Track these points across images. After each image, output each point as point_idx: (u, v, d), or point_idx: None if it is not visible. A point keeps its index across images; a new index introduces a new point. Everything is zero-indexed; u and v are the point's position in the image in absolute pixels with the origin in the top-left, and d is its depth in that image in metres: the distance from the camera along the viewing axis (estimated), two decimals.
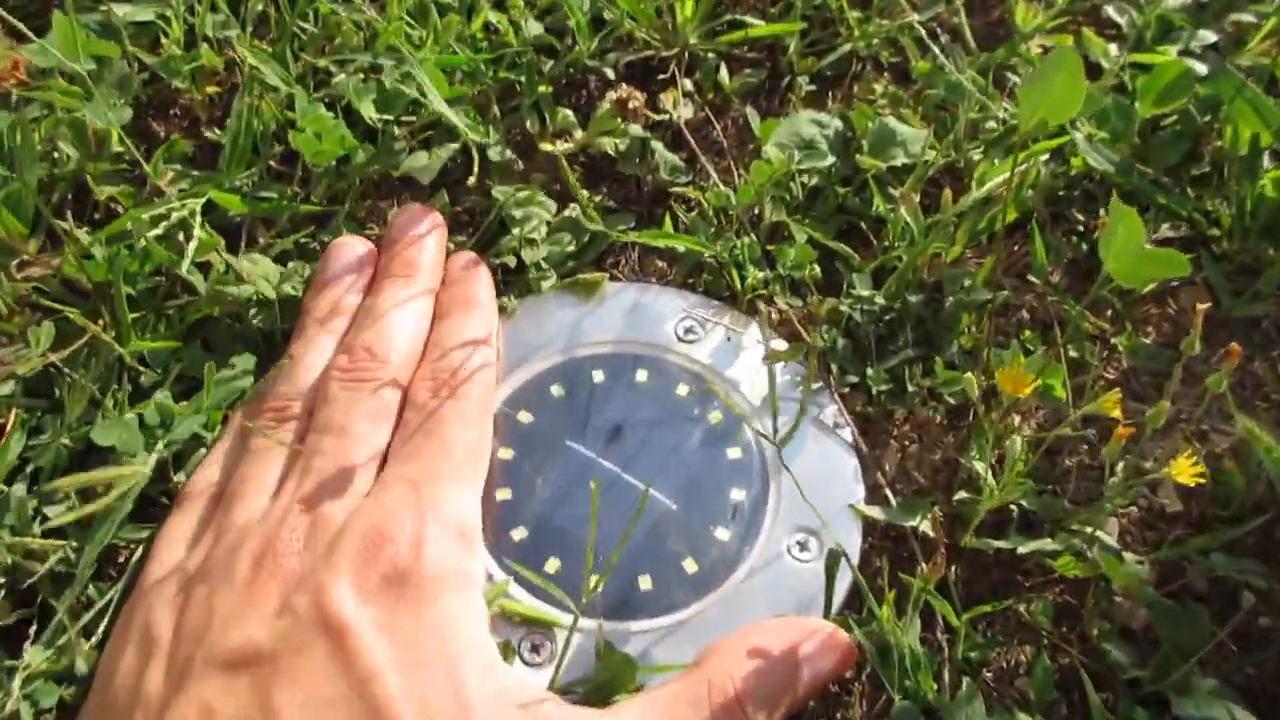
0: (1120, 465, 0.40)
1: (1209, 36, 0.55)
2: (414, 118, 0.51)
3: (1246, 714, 0.36)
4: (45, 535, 0.38)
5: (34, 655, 0.36)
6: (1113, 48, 0.55)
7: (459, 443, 0.39)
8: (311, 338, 0.43)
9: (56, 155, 0.48)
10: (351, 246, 0.45)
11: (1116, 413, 0.37)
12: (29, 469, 0.40)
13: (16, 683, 0.35)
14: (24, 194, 0.44)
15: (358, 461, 0.38)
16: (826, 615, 0.39)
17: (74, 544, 0.38)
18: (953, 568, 0.41)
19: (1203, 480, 0.35)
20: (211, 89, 0.52)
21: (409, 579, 0.35)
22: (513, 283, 0.48)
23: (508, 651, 0.37)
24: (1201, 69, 0.52)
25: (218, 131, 0.50)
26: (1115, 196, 0.47)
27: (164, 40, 0.51)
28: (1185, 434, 0.44)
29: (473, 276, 0.45)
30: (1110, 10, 0.57)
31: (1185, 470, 0.34)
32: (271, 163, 0.49)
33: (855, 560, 0.41)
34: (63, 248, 0.43)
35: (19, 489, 0.38)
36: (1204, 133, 0.51)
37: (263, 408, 0.41)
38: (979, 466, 0.41)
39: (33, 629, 0.37)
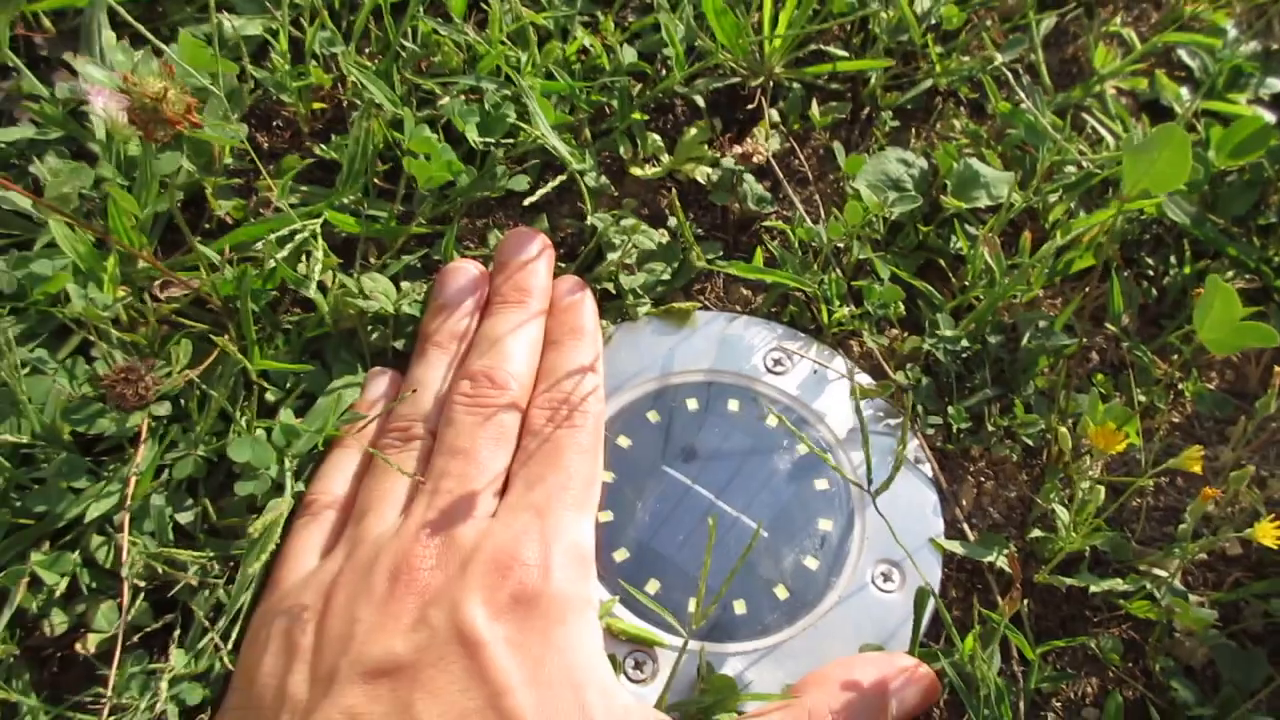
0: (1189, 532, 0.43)
1: (1277, 84, 0.57)
2: (513, 140, 0.53)
3: None
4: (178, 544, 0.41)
5: (178, 658, 0.38)
6: (1184, 91, 0.57)
7: (576, 471, 0.41)
8: (431, 361, 0.45)
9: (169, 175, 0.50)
10: (465, 271, 0.47)
11: (1198, 469, 0.39)
12: (164, 476, 0.42)
13: (164, 683, 0.37)
14: (148, 216, 0.45)
15: (482, 484, 0.40)
16: (912, 648, 0.41)
17: (210, 553, 0.40)
18: (1025, 601, 0.44)
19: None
20: (317, 104, 0.53)
21: (537, 601, 0.37)
22: (608, 308, 0.50)
23: (615, 667, 0.40)
24: (1271, 118, 0.54)
25: (323, 147, 0.52)
26: (1190, 251, 0.49)
27: (272, 54, 0.52)
28: (1250, 482, 0.47)
29: (580, 304, 0.47)
30: (1183, 54, 0.58)
31: (1269, 533, 0.36)
32: (376, 180, 0.51)
33: (937, 592, 0.44)
34: (180, 256, 0.45)
35: (157, 499, 0.41)
36: (1272, 182, 0.53)
37: (388, 427, 0.43)
38: (1059, 510, 0.43)
39: (175, 633, 0.40)
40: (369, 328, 0.46)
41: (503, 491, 0.41)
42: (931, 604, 0.42)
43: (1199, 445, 0.39)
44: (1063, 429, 0.40)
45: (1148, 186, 0.37)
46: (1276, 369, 0.40)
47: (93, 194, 0.48)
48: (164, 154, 0.45)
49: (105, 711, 0.37)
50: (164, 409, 0.41)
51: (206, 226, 0.50)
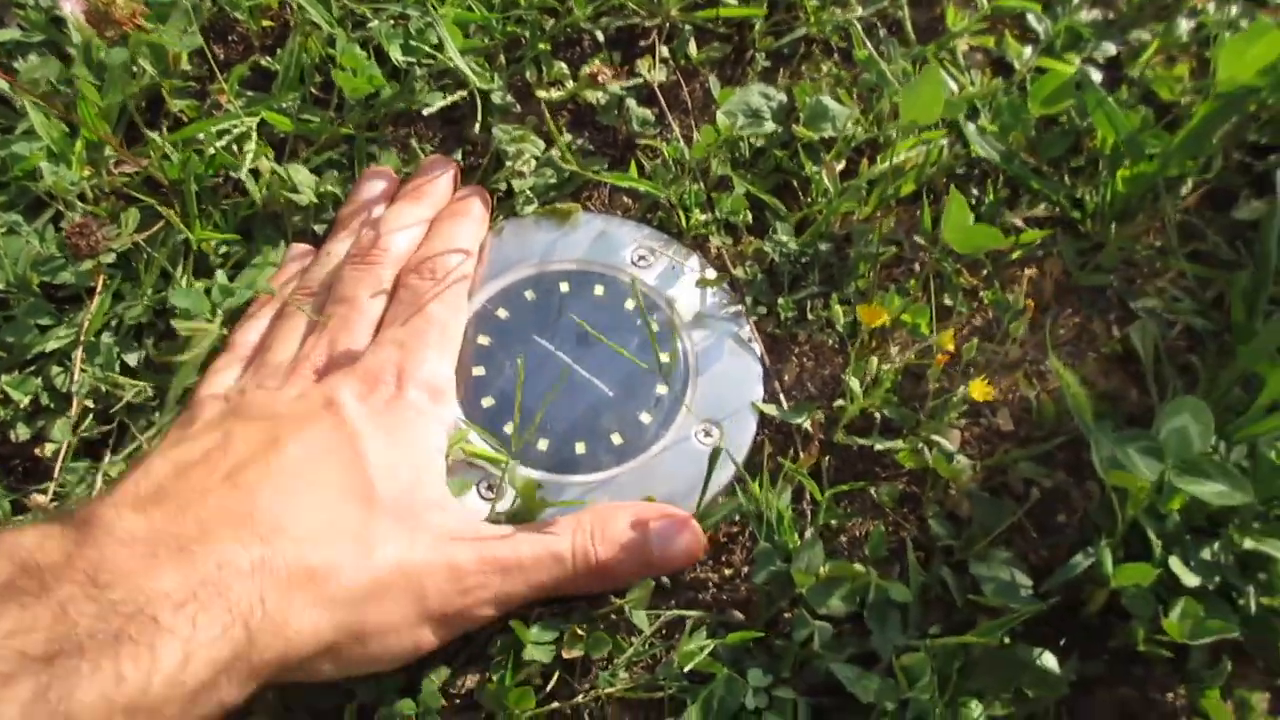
0: (961, 389, 0.52)
1: (1110, 48, 0.65)
2: (433, 61, 0.61)
3: (1024, 577, 0.48)
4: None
5: (111, 466, 0.47)
6: (1027, 50, 0.65)
7: (436, 317, 0.51)
8: (338, 238, 0.55)
9: (135, 70, 0.58)
10: (380, 173, 0.57)
11: (950, 345, 0.48)
12: (115, 323, 0.51)
13: (99, 478, 0.47)
14: (112, 106, 0.54)
15: (361, 323, 0.51)
16: (701, 496, 0.50)
17: (150, 385, 0.49)
18: (827, 458, 0.53)
19: (990, 398, 0.46)
20: (266, 22, 0.62)
21: (393, 406, 0.47)
22: (502, 206, 0.58)
23: (467, 487, 0.49)
24: (1097, 76, 0.62)
25: (269, 59, 0.61)
26: (1005, 184, 0.58)
27: None
28: (1027, 373, 0.56)
29: (469, 199, 0.56)
30: (1030, 18, 0.66)
31: (979, 389, 0.45)
32: (313, 90, 0.60)
33: (748, 448, 0.53)
34: (140, 147, 0.54)
35: (107, 338, 0.50)
36: (1085, 132, 0.61)
37: (297, 288, 0.53)
38: (854, 381, 0.52)
39: (111, 441, 0.49)
40: (294, 215, 0.55)
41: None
42: (732, 458, 0.51)
43: (952, 329, 0.48)
44: (836, 306, 0.49)
45: (914, 118, 0.46)
46: (1026, 272, 0.49)
47: (67, 91, 0.57)
48: (114, 50, 0.54)
49: (49, 494, 0.46)
50: (110, 258, 0.50)
51: (165, 123, 0.59)
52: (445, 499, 0.47)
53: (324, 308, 0.52)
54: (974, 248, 0.46)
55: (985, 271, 0.58)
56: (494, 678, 0.46)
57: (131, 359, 0.51)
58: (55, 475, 0.47)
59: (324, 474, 0.43)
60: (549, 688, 0.47)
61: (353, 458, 0.44)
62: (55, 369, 0.50)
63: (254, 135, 0.54)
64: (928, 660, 0.44)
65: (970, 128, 0.58)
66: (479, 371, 0.53)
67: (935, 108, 0.45)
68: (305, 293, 0.52)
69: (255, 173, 0.55)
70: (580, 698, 0.46)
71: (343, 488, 0.43)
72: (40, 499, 0.45)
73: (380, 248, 0.52)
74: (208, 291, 0.50)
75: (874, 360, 0.52)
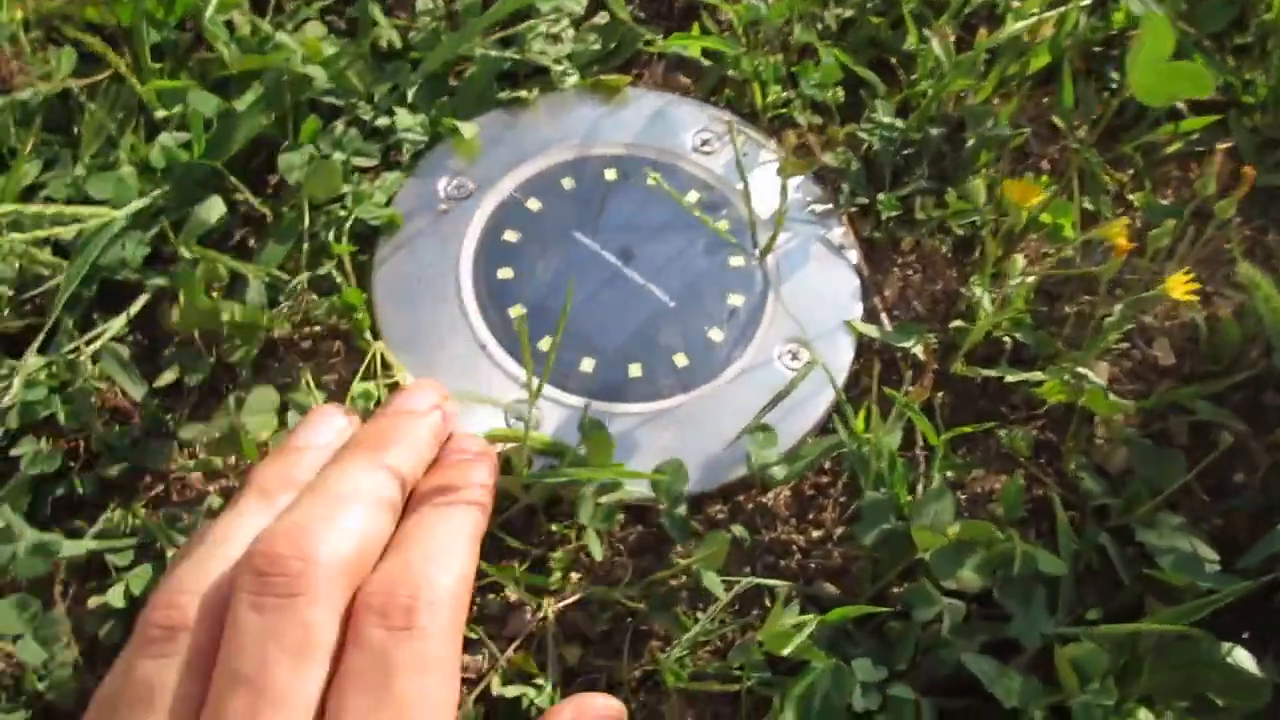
0: (1118, 307, 0.40)
1: None
2: None
3: (1209, 550, 0.37)
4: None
5: (34, 361, 0.37)
6: None
7: (417, 705, 0.28)
8: (241, 511, 0.31)
9: None
10: (331, 414, 0.35)
11: (1122, 240, 0.37)
12: (42, 195, 0.40)
13: (18, 380, 0.36)
14: None
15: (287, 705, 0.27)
16: (771, 406, 0.39)
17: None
18: (940, 393, 0.41)
19: (1196, 300, 0.35)
20: None
21: None
22: (533, 77, 0.47)
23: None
24: None
25: None
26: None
27: None
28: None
29: (467, 464, 0.34)
30: None
31: (1179, 285, 0.34)
32: None
33: (844, 376, 0.42)
34: None
35: (33, 208, 0.39)
36: (1250, 3, 0.49)
37: (150, 615, 0.29)
38: (979, 291, 0.41)
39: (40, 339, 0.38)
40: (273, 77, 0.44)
41: None
42: (819, 388, 0.40)
43: (1125, 218, 0.37)
44: (976, 182, 0.38)
45: None
46: (1219, 147, 0.37)
47: None
48: None
49: None
50: (28, 94, 0.39)
51: None
52: None
53: (209, 662, 0.28)
54: (1169, 96, 0.34)
55: (1132, 170, 0.47)
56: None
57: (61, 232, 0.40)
58: None
59: None
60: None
61: None
62: None
63: None
64: (1102, 653, 0.33)
65: None
66: (505, 274, 0.42)
67: None
68: (163, 631, 0.28)
69: (231, 25, 0.44)
70: (633, 679, 0.36)
71: None
72: None
73: (305, 554, 0.28)
74: (146, 165, 0.39)
75: (1014, 265, 0.40)
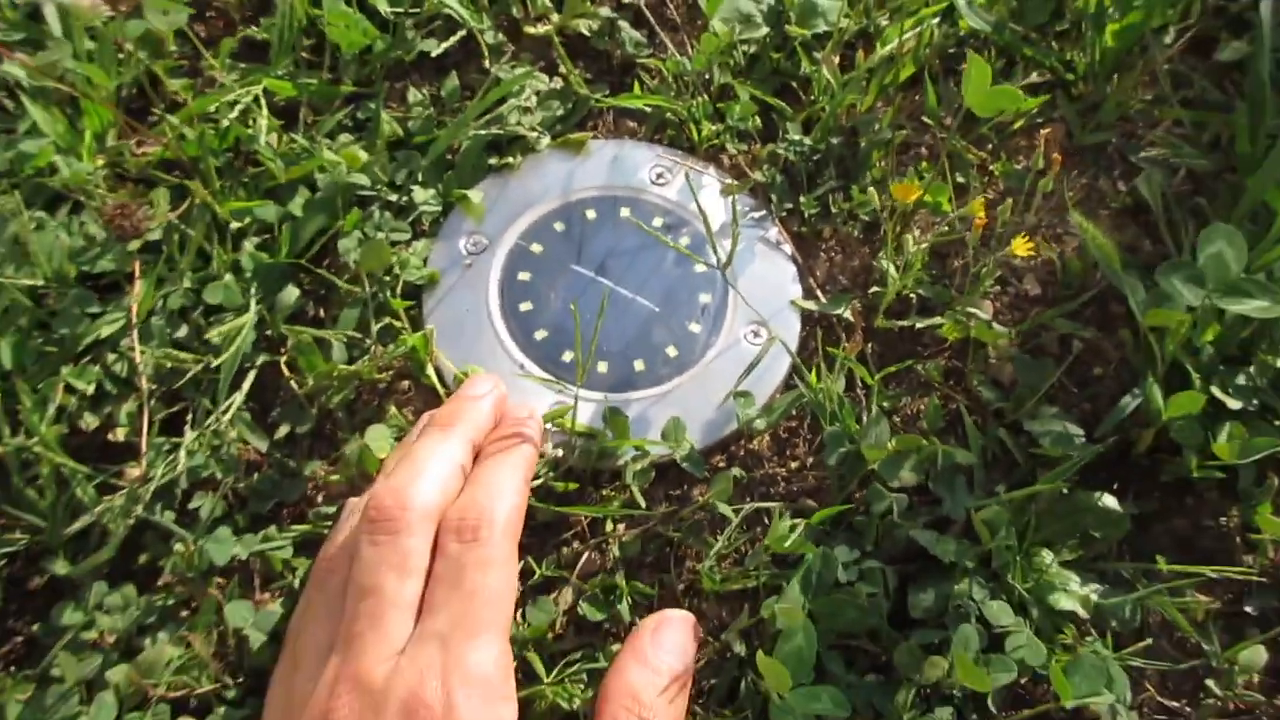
0: (992, 259, 0.53)
1: None
2: (419, 9, 0.61)
3: (1077, 428, 0.51)
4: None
5: (190, 435, 0.48)
6: None
7: (481, 590, 0.41)
8: (426, 438, 0.45)
9: (121, 57, 0.58)
10: (486, 376, 0.49)
11: (981, 213, 0.50)
12: (159, 307, 0.51)
13: (183, 452, 0.47)
14: (123, 84, 0.54)
15: (391, 621, 0.40)
16: (744, 376, 0.52)
17: (203, 356, 0.50)
18: (869, 345, 0.55)
19: (1033, 253, 0.48)
20: None
21: None
22: (512, 148, 0.59)
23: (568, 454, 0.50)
24: None
25: (253, 28, 0.60)
26: (974, 51, 0.59)
27: None
28: (1045, 238, 0.58)
29: (520, 423, 0.47)
30: None
31: (1021, 246, 0.47)
32: (303, 54, 0.59)
33: (796, 343, 0.54)
34: (148, 130, 0.54)
35: (157, 320, 0.50)
36: None
37: (320, 563, 0.44)
38: (885, 263, 0.54)
39: (189, 418, 0.49)
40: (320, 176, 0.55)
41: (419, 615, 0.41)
42: (777, 356, 0.53)
43: (982, 196, 0.50)
44: (871, 190, 0.51)
45: None
46: (1043, 132, 0.50)
47: (59, 86, 0.56)
48: (129, 23, 0.53)
49: (141, 469, 0.46)
50: (156, 234, 0.50)
51: (161, 106, 0.58)
52: None
53: (345, 598, 0.42)
54: (995, 109, 0.47)
55: (990, 146, 0.60)
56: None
57: (180, 335, 0.51)
58: (142, 450, 0.47)
59: None
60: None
61: None
62: (111, 355, 0.50)
63: (262, 104, 0.54)
64: (1005, 512, 0.46)
65: (960, 2, 0.59)
66: (526, 307, 0.54)
67: None
68: (325, 570, 0.43)
69: (270, 144, 0.55)
70: (680, 590, 0.48)
71: None
72: (133, 472, 0.45)
73: (402, 504, 0.42)
74: (237, 267, 0.50)
75: (909, 239, 0.53)
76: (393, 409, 0.51)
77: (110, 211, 0.47)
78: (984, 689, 0.41)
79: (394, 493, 0.42)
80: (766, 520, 0.51)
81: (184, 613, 0.48)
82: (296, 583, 0.47)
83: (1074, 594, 0.47)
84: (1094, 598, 0.47)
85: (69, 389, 0.48)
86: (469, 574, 0.41)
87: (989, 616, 0.45)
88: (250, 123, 0.54)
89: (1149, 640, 0.47)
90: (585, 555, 0.49)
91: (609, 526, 0.50)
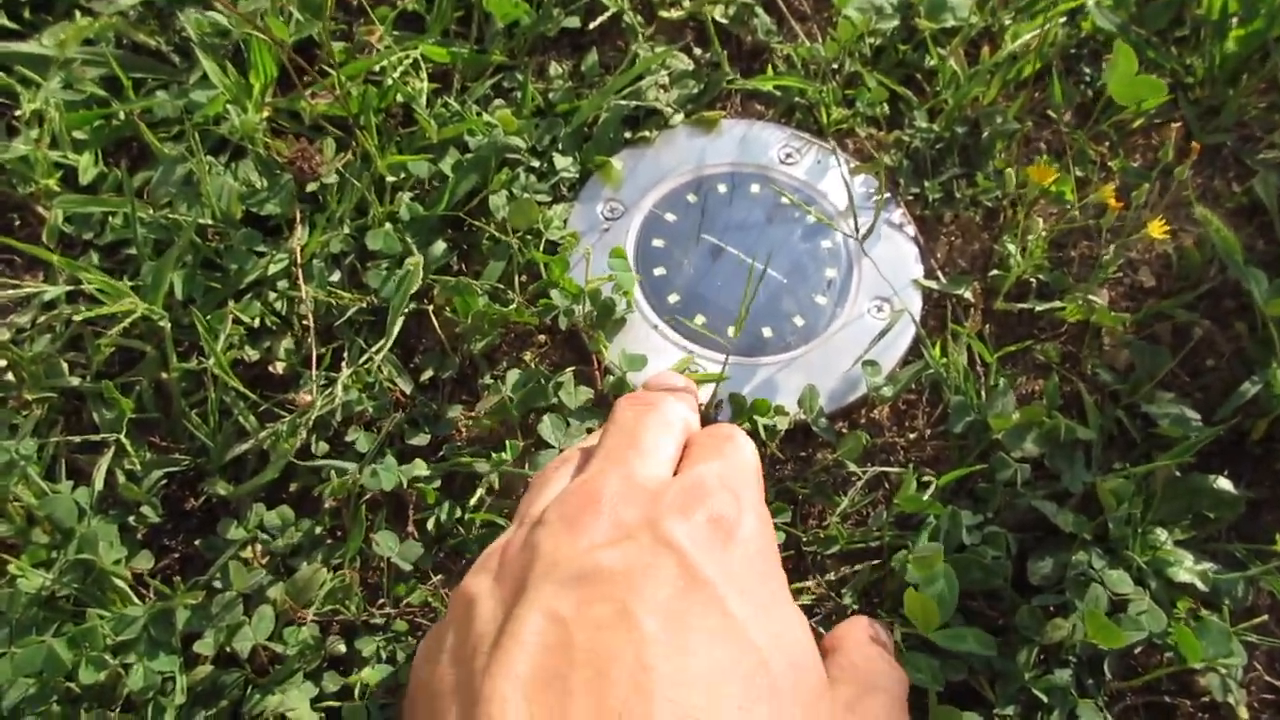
0: (1111, 247, 0.55)
1: None
2: None
3: (1193, 413, 0.52)
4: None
5: (346, 372, 0.51)
6: None
7: (747, 465, 0.41)
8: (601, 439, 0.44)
9: (283, 20, 0.61)
10: (673, 374, 0.49)
11: (1111, 199, 0.51)
12: (322, 250, 0.54)
13: (339, 387, 0.50)
14: (275, 49, 0.57)
15: (654, 455, 0.41)
16: (874, 344, 0.54)
17: (362, 296, 0.53)
18: (987, 325, 0.56)
19: (1169, 235, 0.50)
20: None
21: (732, 531, 0.37)
22: (649, 121, 0.61)
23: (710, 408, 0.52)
24: None
25: (409, 0, 0.63)
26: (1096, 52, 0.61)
27: None
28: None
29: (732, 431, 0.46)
30: None
31: (1157, 228, 0.49)
32: (453, 26, 0.62)
33: (917, 319, 0.56)
34: (315, 85, 0.57)
35: (318, 263, 0.53)
36: (1187, 2, 0.64)
37: (545, 470, 0.43)
38: (1010, 247, 0.56)
39: (345, 356, 0.52)
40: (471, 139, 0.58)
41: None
42: (911, 325, 0.55)
43: (1112, 183, 0.52)
44: (1009, 170, 0.52)
45: None
46: (1173, 125, 0.52)
47: (225, 44, 0.60)
48: None
49: (312, 393, 0.49)
50: (331, 177, 0.53)
51: (320, 68, 0.61)
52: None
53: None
54: (1136, 98, 0.49)
55: (1108, 143, 0.62)
56: None
57: (336, 278, 0.54)
58: (313, 379, 0.50)
59: (710, 660, 0.33)
60: None
61: (726, 627, 0.34)
62: (272, 294, 0.53)
63: (422, 67, 0.57)
64: (1129, 484, 0.48)
65: (1090, 2, 0.61)
66: (660, 271, 0.56)
67: None
68: (562, 461, 0.43)
69: (428, 105, 0.58)
70: (805, 540, 0.50)
71: (742, 679, 0.33)
72: (305, 397, 0.48)
73: (661, 395, 0.45)
74: (395, 218, 0.53)
75: (1038, 222, 0.55)
76: (529, 357, 0.54)
77: (290, 154, 0.50)
78: (1117, 644, 0.43)
79: (649, 390, 0.45)
80: (887, 485, 0.53)
81: (329, 541, 0.50)
82: (443, 516, 0.50)
83: (1192, 569, 0.48)
84: (1211, 574, 0.48)
85: (235, 321, 0.51)
86: (736, 451, 0.42)
87: (1109, 584, 0.47)
88: (408, 85, 0.57)
89: (1265, 616, 0.48)
90: None
91: None
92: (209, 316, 0.51)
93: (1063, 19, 0.62)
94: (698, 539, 0.36)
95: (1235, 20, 0.61)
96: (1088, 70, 0.64)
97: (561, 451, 0.48)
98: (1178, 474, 0.51)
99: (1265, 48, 0.62)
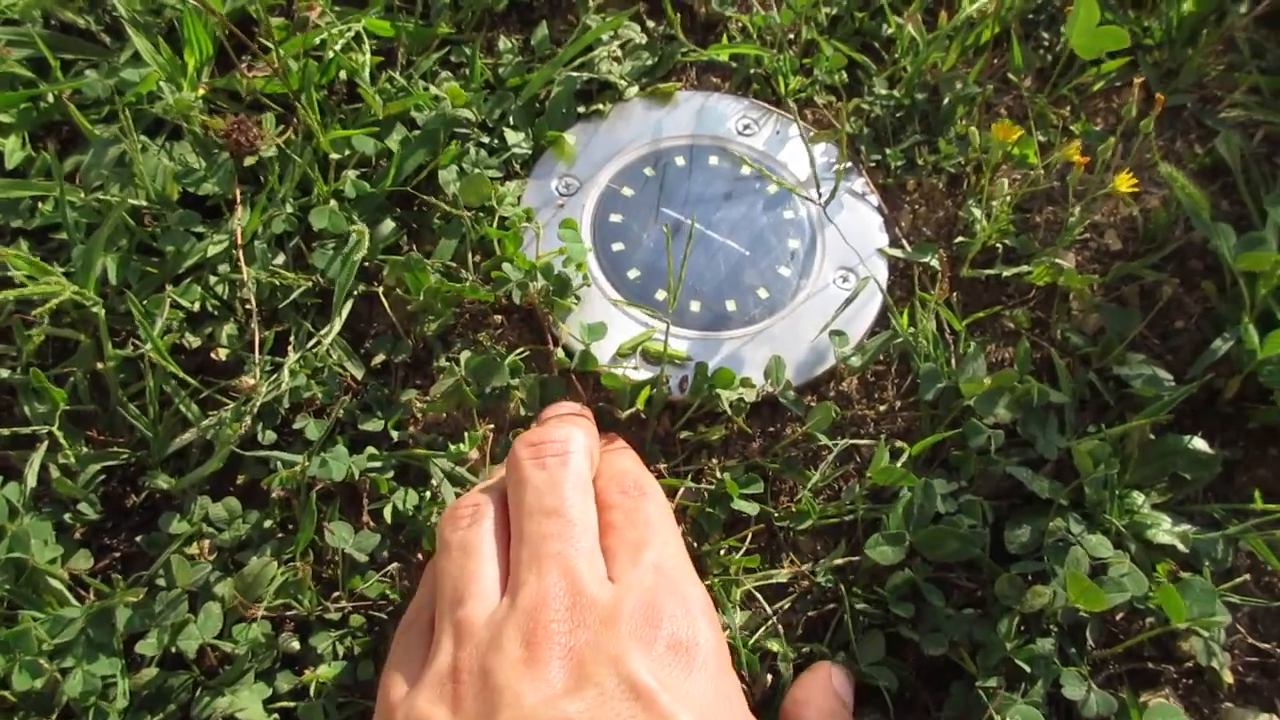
0: (1077, 209, 0.54)
1: None
2: None
3: (1165, 373, 0.51)
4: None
5: (293, 356, 0.48)
6: None
7: (669, 533, 0.41)
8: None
9: None
10: (568, 404, 0.48)
11: (1076, 156, 0.50)
12: (263, 230, 0.51)
13: (285, 373, 0.48)
14: (211, 24, 0.54)
15: (587, 541, 0.38)
16: (839, 312, 0.52)
17: (307, 276, 0.50)
18: (954, 293, 0.55)
19: (1136, 190, 0.49)
20: None
21: (692, 651, 0.36)
22: (603, 95, 0.60)
23: (660, 381, 0.50)
24: None
25: None
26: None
27: None
28: (1124, 197, 0.58)
29: (622, 444, 0.47)
30: None
31: (1124, 181, 0.48)
32: (395, 1, 0.60)
33: (884, 289, 0.55)
34: (251, 61, 0.55)
35: (260, 244, 0.51)
36: None
37: (455, 515, 0.41)
38: (976, 212, 0.54)
39: (291, 340, 0.50)
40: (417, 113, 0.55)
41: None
42: (878, 293, 0.53)
43: (1077, 141, 0.51)
44: (972, 129, 0.51)
45: None
46: (1136, 80, 0.51)
47: (158, 21, 0.57)
48: None
49: (255, 377, 0.47)
50: (270, 150, 0.50)
51: (259, 44, 0.59)
52: None
53: (506, 529, 0.40)
54: (1099, 50, 0.48)
55: (1070, 106, 0.61)
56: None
57: (280, 260, 0.52)
58: (256, 362, 0.47)
59: None
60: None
61: None
62: (213, 277, 0.50)
63: (364, 41, 0.55)
64: (1105, 445, 0.47)
65: None
66: (618, 247, 0.55)
67: None
68: (470, 514, 0.41)
69: (372, 80, 0.56)
70: (778, 516, 0.49)
71: None
72: (248, 381, 0.46)
73: (557, 439, 0.41)
74: (340, 195, 0.51)
75: (1002, 186, 0.54)
76: (484, 338, 0.52)
77: (226, 127, 0.48)
78: (1100, 606, 0.42)
79: (550, 428, 0.42)
80: (858, 458, 0.51)
81: (280, 535, 0.48)
82: (399, 504, 0.48)
83: (1171, 530, 0.47)
84: (1190, 534, 0.47)
85: (174, 305, 0.49)
86: (654, 519, 0.40)
87: (1088, 548, 0.46)
88: (351, 59, 0.55)
89: (1246, 576, 0.47)
90: (680, 490, 0.49)
91: (712, 459, 0.50)
92: (146, 301, 0.49)
93: None
94: (663, 675, 0.35)
95: None
96: (1046, 35, 0.63)
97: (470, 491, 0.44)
98: (1152, 436, 0.50)
99: (1222, 7, 0.61)
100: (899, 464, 0.47)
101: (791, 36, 0.61)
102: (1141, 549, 0.47)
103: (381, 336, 0.52)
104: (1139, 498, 0.49)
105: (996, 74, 0.62)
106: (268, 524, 0.46)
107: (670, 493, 0.49)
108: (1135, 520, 0.48)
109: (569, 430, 0.41)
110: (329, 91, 0.57)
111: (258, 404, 0.46)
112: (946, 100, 0.59)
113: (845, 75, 0.60)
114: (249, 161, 0.50)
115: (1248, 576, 0.48)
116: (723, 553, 0.48)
